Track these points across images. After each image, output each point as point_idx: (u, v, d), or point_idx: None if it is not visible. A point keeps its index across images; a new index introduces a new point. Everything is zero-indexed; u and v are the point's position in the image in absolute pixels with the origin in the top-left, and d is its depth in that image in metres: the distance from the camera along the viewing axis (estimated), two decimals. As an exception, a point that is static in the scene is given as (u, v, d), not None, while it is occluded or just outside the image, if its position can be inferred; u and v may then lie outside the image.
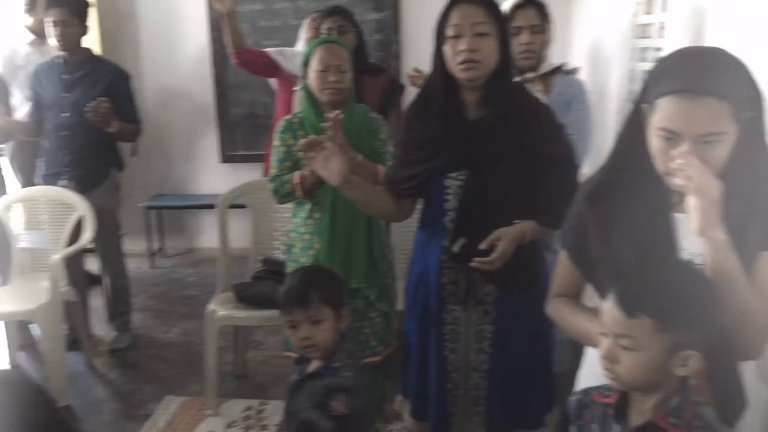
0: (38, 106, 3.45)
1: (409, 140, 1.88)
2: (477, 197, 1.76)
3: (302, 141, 1.87)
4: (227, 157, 5.06)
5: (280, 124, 2.48)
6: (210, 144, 5.09)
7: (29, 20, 3.87)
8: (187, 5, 4.87)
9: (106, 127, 3.26)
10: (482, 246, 1.72)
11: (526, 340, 1.85)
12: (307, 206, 2.45)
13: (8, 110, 3.43)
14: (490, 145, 1.74)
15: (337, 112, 2.28)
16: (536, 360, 1.89)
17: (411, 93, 3.59)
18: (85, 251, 3.56)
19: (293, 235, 2.53)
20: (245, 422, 2.87)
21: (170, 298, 4.38)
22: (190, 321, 3.99)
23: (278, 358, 3.47)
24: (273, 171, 2.47)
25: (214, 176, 5.08)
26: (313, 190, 2.38)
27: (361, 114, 2.47)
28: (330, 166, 1.79)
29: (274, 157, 2.48)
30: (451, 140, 1.77)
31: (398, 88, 3.60)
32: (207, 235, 5.25)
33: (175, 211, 5.16)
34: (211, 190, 5.01)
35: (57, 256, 3.14)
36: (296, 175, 2.37)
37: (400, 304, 2.65)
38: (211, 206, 4.82)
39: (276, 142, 2.47)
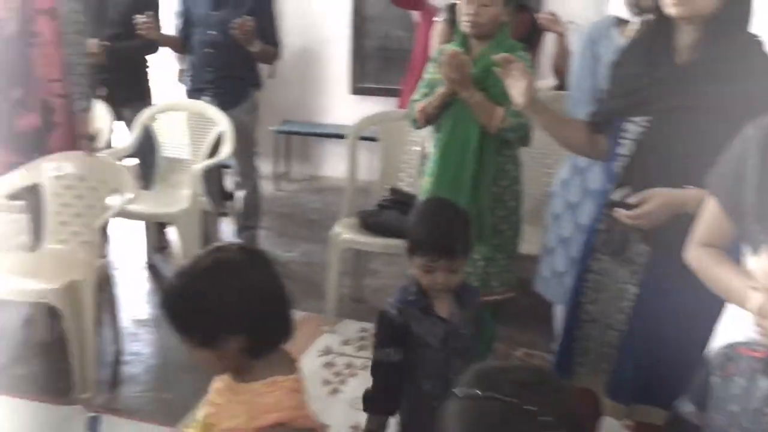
0: (187, 22, 3.61)
1: (615, 75, 1.79)
2: (655, 147, 1.62)
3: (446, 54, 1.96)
4: (357, 89, 5.12)
5: (433, 54, 2.50)
6: (341, 75, 5.16)
7: None
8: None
9: (249, 46, 3.37)
10: (632, 199, 1.61)
11: (677, 315, 1.67)
12: (435, 136, 2.47)
13: (158, 24, 3.60)
14: (688, 94, 1.58)
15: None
16: (684, 339, 1.67)
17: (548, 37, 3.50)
18: (222, 167, 3.75)
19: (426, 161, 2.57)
20: (360, 342, 2.98)
21: (293, 221, 4.55)
22: (310, 244, 4.14)
23: (393, 287, 3.51)
24: (413, 97, 2.51)
25: (343, 107, 5.16)
26: (433, 120, 2.42)
27: (506, 50, 2.41)
28: (517, 87, 1.78)
29: (419, 84, 2.51)
30: (651, 82, 1.64)
31: (539, 29, 3.49)
32: (331, 164, 5.39)
33: (303, 137, 5.31)
34: (339, 120, 5.10)
35: (198, 166, 3.32)
36: (420, 104, 2.41)
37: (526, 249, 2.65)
38: (338, 136, 4.96)
39: (425, 71, 2.50)
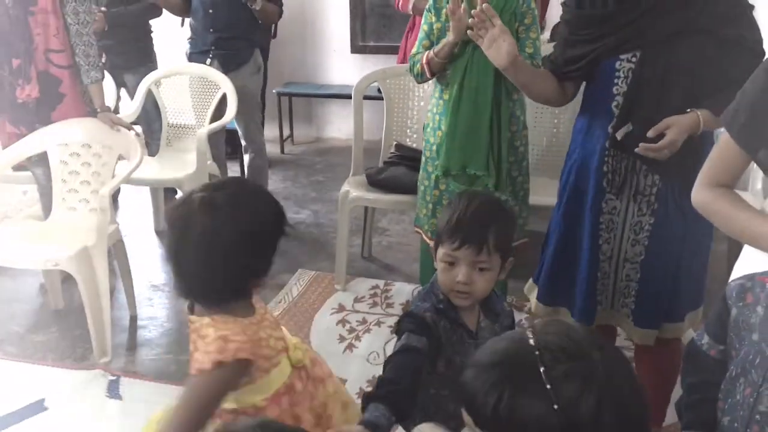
0: None
1: (577, 18, 1.78)
2: (649, 80, 1.65)
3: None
4: (358, 48, 5.06)
5: (428, 2, 2.43)
6: (342, 34, 5.10)
7: None
8: None
9: (252, 3, 3.32)
10: (650, 133, 1.63)
11: (687, 234, 1.76)
12: (440, 86, 2.44)
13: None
14: (669, 22, 1.62)
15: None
16: (694, 256, 1.80)
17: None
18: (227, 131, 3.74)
19: (429, 114, 2.54)
20: (372, 299, 3.00)
21: (300, 183, 4.55)
22: (318, 204, 4.14)
23: (402, 244, 3.57)
24: (413, 49, 2.47)
25: (345, 66, 5.11)
26: (440, 71, 2.37)
27: None
28: (498, 47, 1.76)
29: (419, 36, 2.47)
30: (627, 17, 1.66)
31: None
32: (334, 125, 5.37)
33: (305, 99, 5.27)
34: (340, 80, 5.06)
35: (203, 130, 3.31)
36: (424, 56, 2.37)
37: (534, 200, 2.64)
38: (340, 96, 4.93)
39: (422, 20, 2.45)
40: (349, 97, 3.27)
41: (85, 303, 2.51)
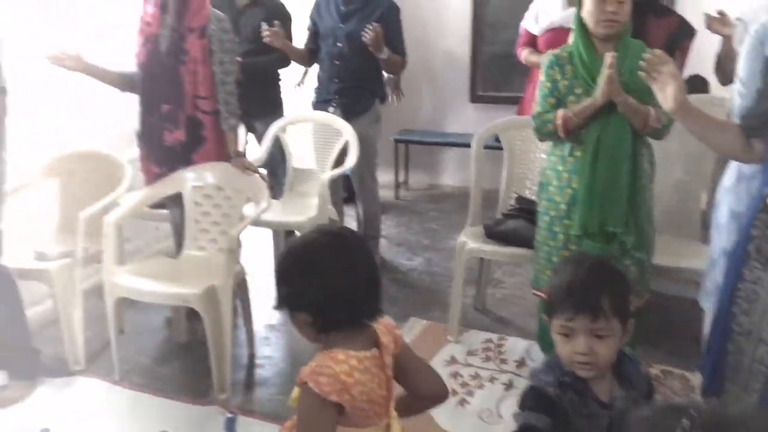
0: (315, 35, 3.72)
1: None
2: None
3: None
4: (477, 97, 5.09)
5: (547, 59, 2.41)
6: (461, 83, 5.14)
7: None
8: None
9: (378, 52, 3.41)
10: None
11: None
12: (568, 144, 2.39)
13: (289, 36, 3.72)
14: None
15: (612, 53, 2.19)
16: None
17: (707, 39, 3.23)
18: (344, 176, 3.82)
19: (549, 172, 2.49)
20: (485, 353, 2.94)
21: (413, 229, 4.57)
22: (431, 252, 4.14)
23: (517, 297, 3.49)
24: (537, 108, 2.44)
25: (463, 115, 5.15)
26: (576, 131, 2.32)
27: (638, 51, 2.32)
28: (666, 91, 1.71)
29: (539, 93, 2.44)
30: None
31: (687, 32, 3.25)
32: (449, 173, 5.39)
33: (421, 146, 5.33)
34: (458, 128, 5.10)
35: (325, 176, 3.41)
36: (559, 115, 2.33)
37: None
38: (457, 144, 4.95)
39: (542, 78, 2.43)
40: (466, 145, 3.28)
41: (209, 339, 2.61)
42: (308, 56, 3.76)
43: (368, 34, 3.36)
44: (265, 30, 3.42)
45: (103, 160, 3.10)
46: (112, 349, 2.77)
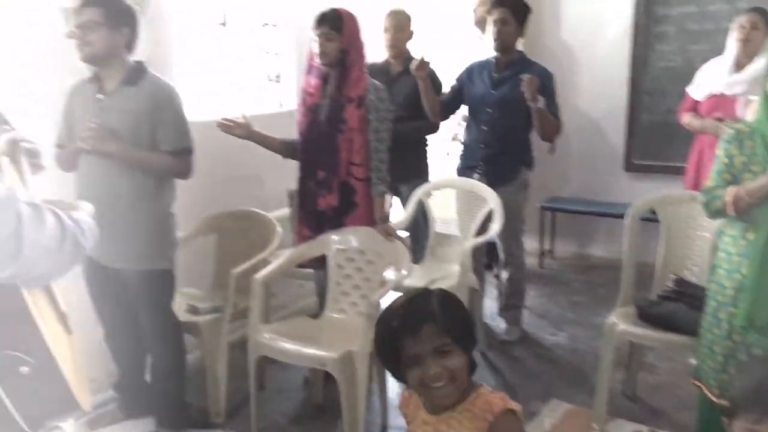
0: (455, 92, 3.70)
1: None
2: None
3: None
4: (632, 166, 4.86)
5: (727, 133, 2.23)
6: (615, 150, 4.94)
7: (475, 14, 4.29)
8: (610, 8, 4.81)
9: (534, 102, 3.32)
10: None
11: None
12: (741, 224, 2.17)
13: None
14: None
15: None
16: None
17: None
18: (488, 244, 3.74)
19: (721, 254, 2.27)
20: (636, 448, 2.70)
21: (557, 301, 4.37)
22: (576, 327, 3.93)
23: (673, 386, 3.20)
24: (709, 182, 2.26)
25: (616, 184, 4.92)
26: (748, 211, 2.11)
27: None
28: None
29: (713, 167, 2.26)
30: None
31: None
32: (598, 243, 5.14)
33: (569, 214, 5.14)
34: (610, 197, 4.87)
35: (468, 243, 3.35)
36: (729, 192, 2.13)
37: None
38: (608, 215, 4.72)
39: (719, 152, 2.25)
40: (618, 216, 3.09)
41: (342, 405, 2.60)
42: (440, 109, 3.72)
43: (524, 83, 3.29)
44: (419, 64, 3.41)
45: (255, 219, 3.23)
46: (251, 405, 2.82)
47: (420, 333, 1.37)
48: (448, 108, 3.75)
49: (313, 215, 2.94)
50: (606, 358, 2.81)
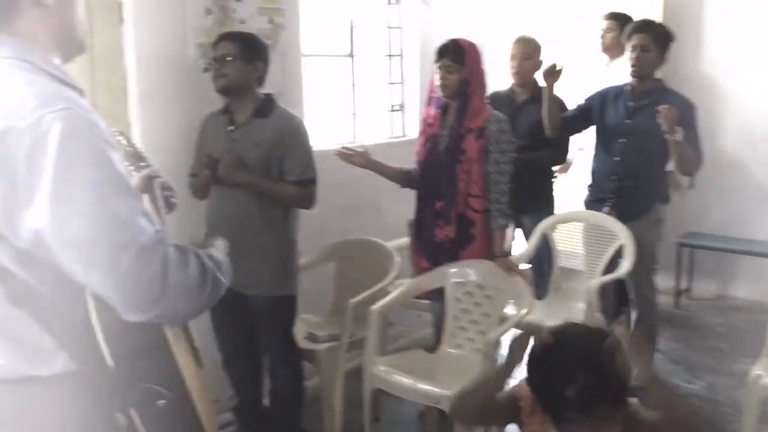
0: (581, 111, 3.52)
1: None
2: None
3: None
4: (781, 201, 4.45)
5: None
6: (761, 184, 4.56)
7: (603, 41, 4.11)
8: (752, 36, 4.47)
9: (672, 133, 3.11)
10: None
11: None
12: None
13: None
14: None
15: None
16: None
17: None
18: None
19: None
20: None
21: (694, 346, 4.05)
22: (715, 375, 3.61)
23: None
24: None
25: (761, 220, 4.53)
26: None
27: None
28: None
29: None
30: None
31: None
32: (742, 283, 4.75)
33: (709, 252, 4.77)
34: (755, 234, 4.49)
35: (594, 281, 3.18)
36: None
37: None
38: (758, 254, 4.35)
39: None
40: (764, 255, 2.82)
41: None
42: (560, 123, 3.55)
43: (661, 114, 3.08)
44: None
45: (374, 248, 3.24)
46: (365, 437, 2.80)
47: (593, 414, 1.35)
48: (570, 124, 3.56)
49: (430, 246, 2.91)
50: (750, 414, 2.55)
